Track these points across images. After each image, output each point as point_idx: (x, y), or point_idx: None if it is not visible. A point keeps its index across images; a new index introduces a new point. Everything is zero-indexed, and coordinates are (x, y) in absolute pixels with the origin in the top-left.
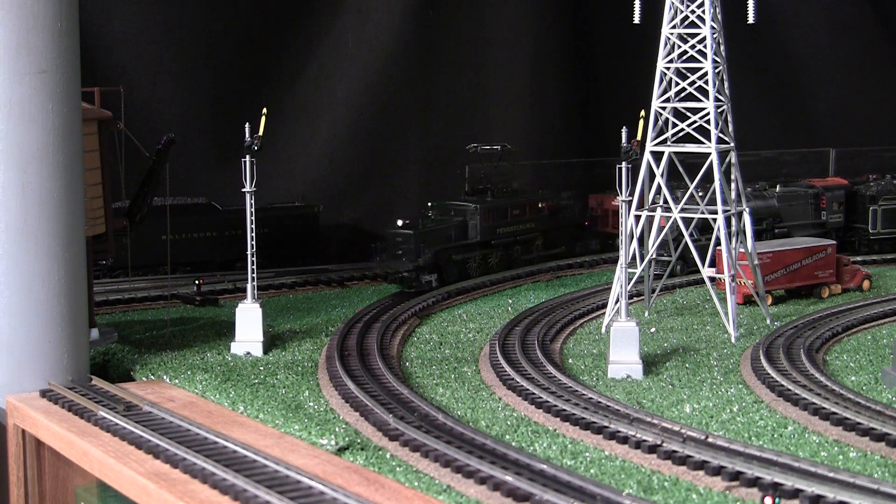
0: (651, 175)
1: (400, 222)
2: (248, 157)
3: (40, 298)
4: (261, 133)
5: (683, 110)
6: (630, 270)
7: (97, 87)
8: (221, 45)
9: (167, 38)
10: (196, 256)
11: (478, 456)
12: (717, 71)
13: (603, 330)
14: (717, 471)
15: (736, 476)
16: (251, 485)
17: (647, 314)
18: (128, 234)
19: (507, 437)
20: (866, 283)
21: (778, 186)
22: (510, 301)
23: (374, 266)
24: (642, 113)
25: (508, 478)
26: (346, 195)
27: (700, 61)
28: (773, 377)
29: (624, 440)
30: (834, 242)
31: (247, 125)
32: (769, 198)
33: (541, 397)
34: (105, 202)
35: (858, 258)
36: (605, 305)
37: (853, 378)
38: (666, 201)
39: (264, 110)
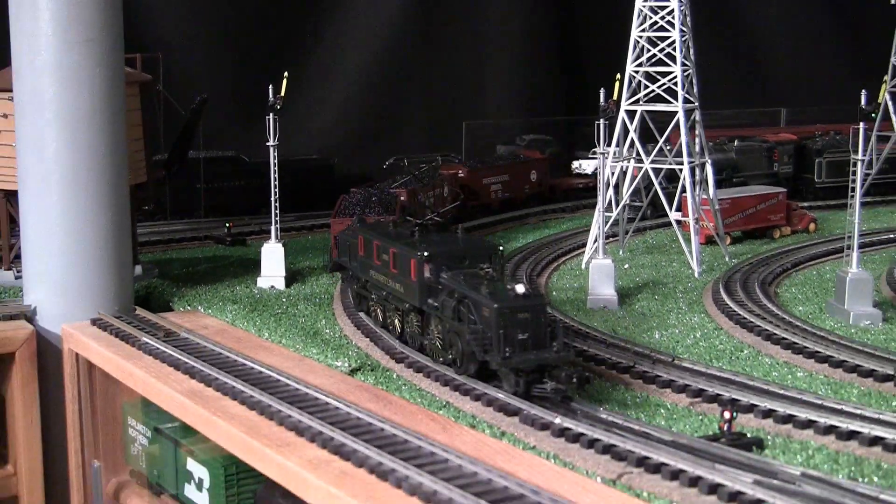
0: (625, 131)
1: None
2: (271, 115)
3: (90, 240)
4: (283, 94)
5: (654, 74)
6: (606, 214)
7: (138, 54)
8: (248, 16)
9: (199, 10)
10: (226, 203)
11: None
12: (683, 39)
13: (583, 266)
14: (682, 389)
15: (699, 393)
16: (275, 401)
17: (621, 252)
18: (166, 183)
19: None
20: (812, 226)
21: (736, 141)
22: (501, 242)
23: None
24: (618, 76)
25: (500, 395)
26: (358, 150)
27: (669, 31)
28: (731, 307)
29: (601, 362)
30: (784, 190)
31: (270, 87)
32: (728, 151)
33: None
34: (146, 155)
35: (806, 204)
36: (584, 245)
37: (801, 308)
38: (638, 154)
39: (286, 74)
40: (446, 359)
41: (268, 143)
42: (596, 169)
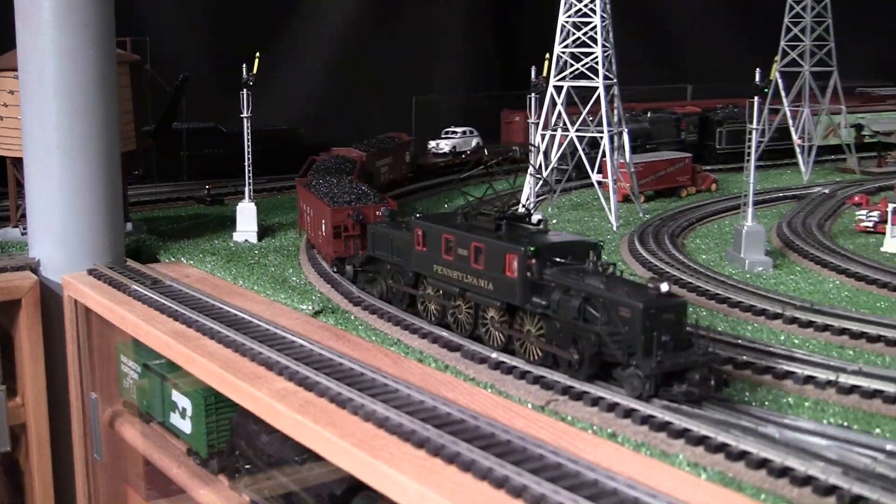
0: (553, 103)
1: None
2: (245, 90)
3: (87, 199)
4: (255, 72)
5: (578, 54)
6: (537, 176)
7: (128, 38)
8: (226, 3)
9: None
10: (206, 168)
11: (419, 316)
12: (604, 24)
13: None
14: None
15: None
16: (247, 339)
17: (550, 209)
18: (154, 151)
19: None
20: (714, 186)
21: (649, 113)
22: (446, 203)
23: None
24: (547, 56)
25: (444, 333)
26: (322, 121)
27: (591, 17)
28: (644, 256)
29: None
30: (690, 155)
31: (244, 66)
32: (642, 121)
33: None
34: (135, 126)
35: (708, 167)
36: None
37: (704, 256)
38: (565, 123)
39: (258, 54)
40: (545, 360)
41: (242, 115)
42: (453, 147)
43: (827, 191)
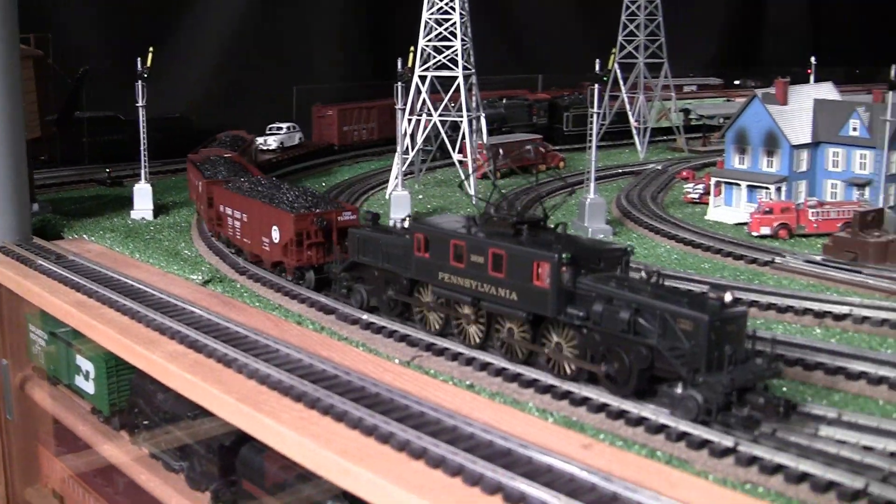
0: (418, 92)
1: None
2: (140, 82)
3: None
4: (149, 64)
5: (440, 47)
6: (404, 156)
7: (32, 34)
8: (124, 1)
9: None
10: (106, 152)
11: (296, 283)
12: (462, 21)
13: (387, 196)
14: None
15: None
16: (143, 307)
17: (416, 186)
18: (57, 138)
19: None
20: (562, 164)
21: (504, 99)
22: (324, 181)
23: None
24: (412, 49)
25: (321, 298)
26: (212, 109)
27: (451, 14)
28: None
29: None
30: (541, 137)
31: (139, 59)
32: (498, 107)
33: None
34: (40, 115)
35: (557, 147)
36: (388, 180)
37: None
38: (429, 110)
39: (151, 49)
40: (579, 375)
41: (137, 105)
42: (280, 142)
43: (659, 167)
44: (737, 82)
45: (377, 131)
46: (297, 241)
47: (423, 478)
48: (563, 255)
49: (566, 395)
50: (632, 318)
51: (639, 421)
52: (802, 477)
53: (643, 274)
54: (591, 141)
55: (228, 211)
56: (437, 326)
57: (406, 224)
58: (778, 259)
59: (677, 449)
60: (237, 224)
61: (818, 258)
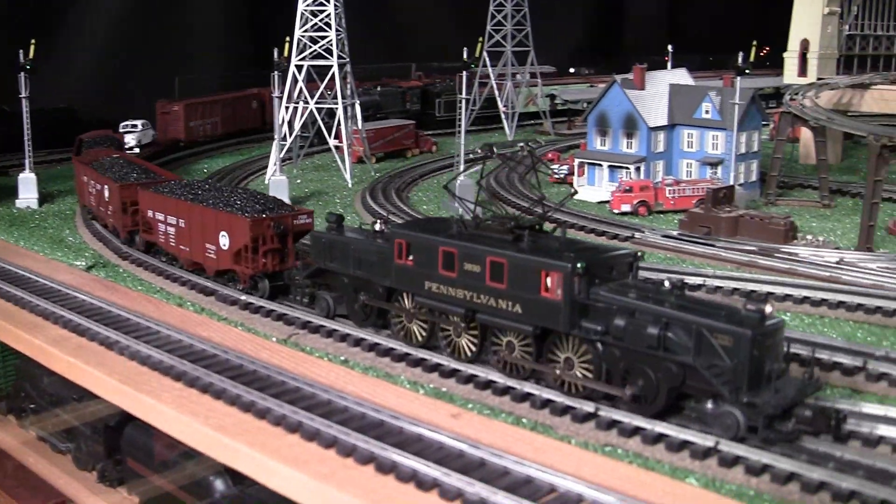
0: (295, 80)
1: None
2: (22, 73)
3: None
4: (31, 56)
5: (316, 37)
6: (282, 143)
7: None
8: None
9: None
10: None
11: (180, 268)
12: (336, 11)
13: (266, 181)
14: None
15: None
16: (27, 293)
17: (295, 171)
18: None
19: None
20: (434, 148)
21: (379, 87)
22: (206, 167)
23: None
24: (288, 39)
25: (200, 280)
26: (96, 100)
27: (326, 5)
28: (374, 207)
29: None
30: (414, 122)
31: (20, 51)
32: (373, 94)
33: None
34: None
35: (429, 132)
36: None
37: (425, 207)
38: (306, 97)
39: (33, 41)
40: (593, 393)
41: (20, 96)
42: (138, 140)
43: (527, 150)
44: (571, 70)
45: (220, 126)
46: (252, 248)
47: (299, 450)
48: (578, 265)
49: (436, 367)
50: (662, 334)
51: (505, 390)
52: (658, 438)
53: (666, 283)
54: (460, 125)
55: (160, 217)
56: (420, 339)
57: (379, 227)
58: (638, 234)
59: (541, 416)
60: (171, 231)
61: (675, 233)
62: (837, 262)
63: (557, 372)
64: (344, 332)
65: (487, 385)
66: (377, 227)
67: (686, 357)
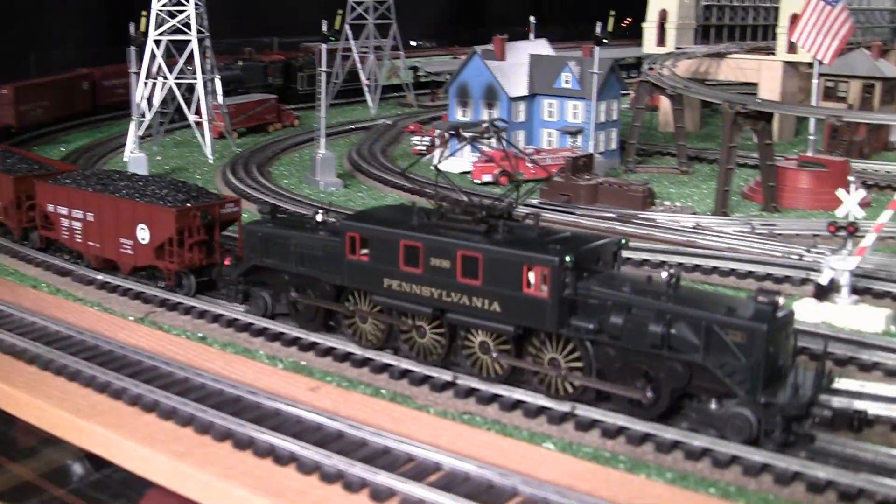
0: (153, 56)
1: None
2: None
3: None
4: None
5: (174, 11)
6: (140, 119)
7: None
8: None
9: None
10: None
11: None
12: None
13: (125, 158)
14: None
15: None
16: None
17: (155, 147)
18: None
19: None
20: (296, 122)
21: (240, 62)
22: (63, 147)
23: None
24: (144, 13)
25: (56, 261)
26: None
27: None
28: (234, 182)
29: None
30: (275, 96)
31: None
32: (235, 69)
33: None
34: None
35: (292, 106)
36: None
37: (286, 181)
38: (164, 73)
39: None
40: (582, 395)
41: None
42: None
43: (390, 122)
44: (413, 43)
45: (52, 110)
46: (178, 241)
47: (155, 429)
48: (567, 258)
49: (295, 340)
50: (665, 331)
51: (363, 362)
52: (516, 405)
53: (663, 275)
54: (320, 99)
55: (63, 211)
56: (376, 340)
57: (320, 218)
58: (499, 203)
59: (400, 386)
60: (76, 225)
61: (536, 201)
62: (694, 227)
63: (546, 372)
64: (202, 308)
65: (346, 357)
66: (318, 217)
67: (693, 356)
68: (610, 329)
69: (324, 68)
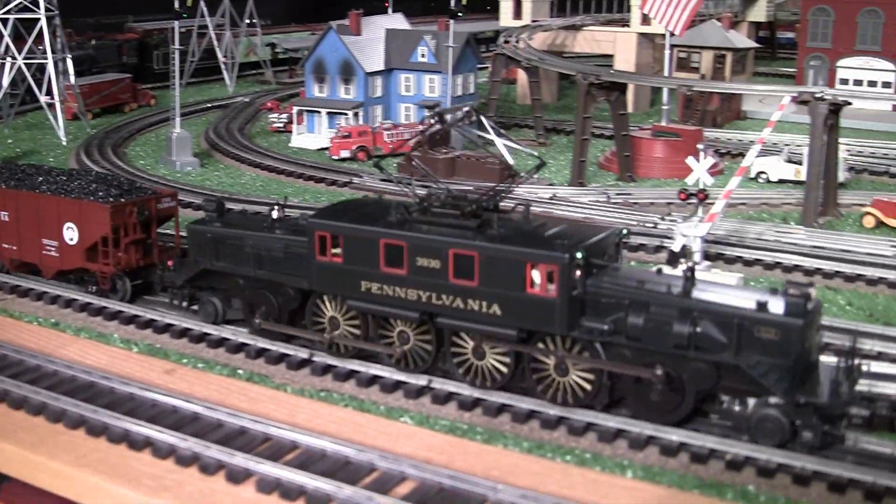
0: (0, 35)
1: None
2: None
3: None
4: None
5: None
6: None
7: None
8: None
9: None
10: None
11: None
12: None
13: None
14: None
15: None
16: None
17: (6, 131)
18: None
19: None
20: (153, 101)
21: (93, 40)
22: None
23: None
24: None
25: None
26: None
27: None
28: (90, 165)
29: None
30: (130, 75)
31: None
32: (87, 48)
33: None
34: None
35: (148, 85)
36: None
37: (142, 162)
38: (13, 53)
39: None
40: (593, 399)
41: None
42: None
43: (247, 100)
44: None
45: None
46: (113, 241)
47: (5, 420)
48: (578, 255)
49: (150, 323)
50: (692, 331)
51: (220, 342)
52: (373, 380)
53: (682, 267)
54: (173, 77)
55: None
56: (349, 349)
57: (276, 215)
58: (356, 179)
59: (257, 365)
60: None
61: (393, 176)
62: (551, 198)
63: (551, 377)
64: (54, 293)
65: (202, 338)
66: (273, 214)
67: (723, 355)
68: (629, 330)
69: (176, 46)
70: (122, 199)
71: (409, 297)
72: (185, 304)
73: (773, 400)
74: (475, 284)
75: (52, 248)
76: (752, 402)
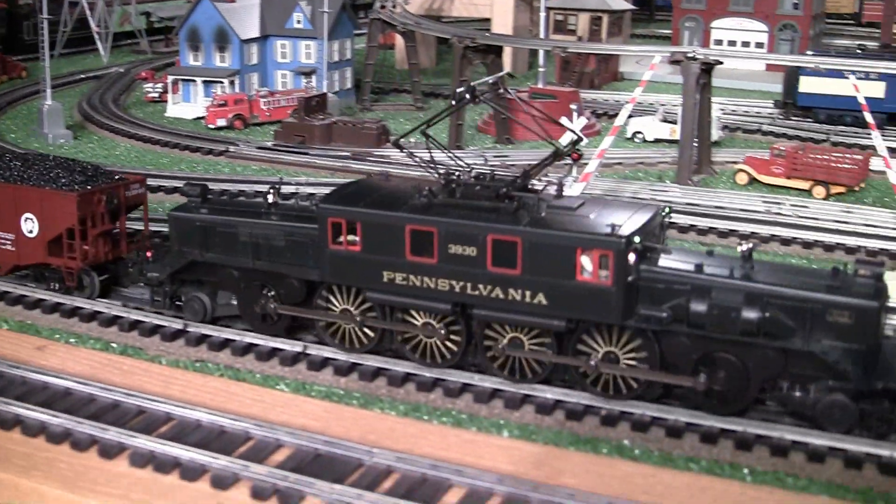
0: None
1: None
2: None
3: None
4: None
5: None
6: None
7: None
8: None
9: None
10: None
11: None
12: None
13: None
14: None
15: None
16: None
17: None
18: None
19: None
20: (24, 74)
21: None
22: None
23: None
24: None
25: None
26: None
27: None
28: None
29: None
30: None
31: None
32: None
33: None
34: None
35: (18, 57)
36: None
37: (13, 135)
38: None
39: None
40: (649, 391)
41: None
42: None
43: (122, 70)
44: None
45: None
46: (80, 232)
47: None
48: (635, 239)
49: (20, 299)
50: (761, 316)
51: (92, 316)
52: (248, 349)
53: (740, 249)
54: (43, 47)
55: None
56: (366, 342)
57: (272, 199)
58: (232, 148)
59: (130, 338)
60: None
61: (269, 144)
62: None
63: (596, 365)
64: None
65: (74, 313)
66: (269, 198)
67: (794, 342)
68: (691, 317)
69: (45, 16)
70: (89, 187)
71: (440, 288)
72: (168, 300)
73: (834, 384)
74: (518, 273)
75: (7, 242)
76: (813, 387)
